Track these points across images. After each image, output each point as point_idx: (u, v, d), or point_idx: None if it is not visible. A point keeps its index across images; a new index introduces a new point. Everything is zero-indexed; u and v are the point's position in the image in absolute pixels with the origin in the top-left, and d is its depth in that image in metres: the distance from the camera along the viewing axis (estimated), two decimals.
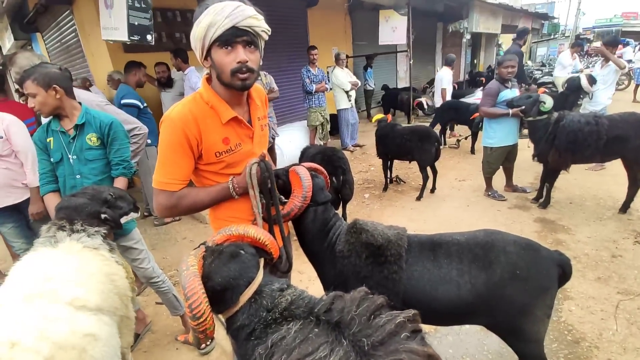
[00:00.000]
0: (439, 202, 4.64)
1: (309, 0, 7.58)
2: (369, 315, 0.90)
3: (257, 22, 1.21)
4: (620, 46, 10.75)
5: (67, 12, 5.55)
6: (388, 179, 5.29)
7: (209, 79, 1.36)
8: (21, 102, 3.12)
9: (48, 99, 1.97)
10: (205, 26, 1.16)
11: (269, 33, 1.28)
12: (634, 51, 12.53)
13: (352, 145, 7.07)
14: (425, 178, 4.68)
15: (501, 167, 4.50)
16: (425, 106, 9.06)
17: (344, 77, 6.58)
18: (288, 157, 5.54)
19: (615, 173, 4.69)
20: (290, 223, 1.60)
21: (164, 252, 3.86)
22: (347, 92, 6.60)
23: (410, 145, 4.64)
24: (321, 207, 1.56)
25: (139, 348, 2.53)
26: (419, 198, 4.71)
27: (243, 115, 1.38)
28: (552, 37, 23.49)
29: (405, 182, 5.42)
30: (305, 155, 3.85)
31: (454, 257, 1.51)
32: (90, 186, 1.87)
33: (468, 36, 10.56)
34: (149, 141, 3.95)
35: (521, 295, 1.46)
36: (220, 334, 1.17)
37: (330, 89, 6.64)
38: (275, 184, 1.38)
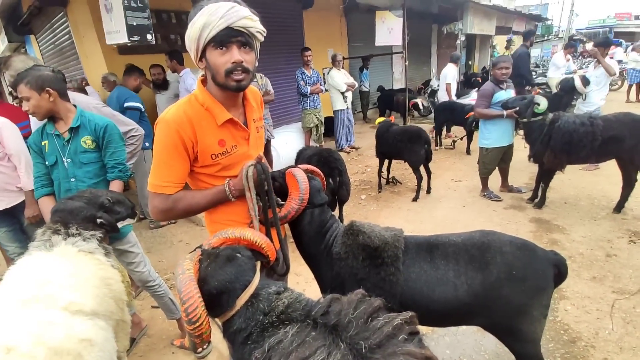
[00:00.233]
0: (435, 202, 4.65)
1: (305, 2, 7.58)
2: (367, 317, 0.90)
3: (252, 22, 1.20)
4: (612, 47, 10.86)
5: (61, 14, 5.51)
6: (384, 180, 5.33)
7: (204, 81, 1.35)
8: (15, 104, 3.09)
9: (41, 102, 1.96)
10: (200, 27, 1.16)
11: (265, 34, 1.27)
12: (625, 52, 12.65)
13: (347, 147, 7.07)
14: (419, 178, 4.70)
15: (496, 167, 4.52)
16: (421, 107, 9.09)
17: (340, 78, 6.59)
18: (284, 158, 5.53)
19: (608, 173, 4.73)
20: (286, 225, 1.60)
21: (159, 255, 3.83)
22: (342, 94, 6.61)
23: (400, 145, 4.71)
24: (318, 209, 1.56)
25: (134, 352, 2.51)
26: (415, 199, 4.73)
27: (239, 117, 1.37)
28: (545, 38, 23.68)
29: (401, 183, 5.43)
30: (301, 157, 3.84)
31: (450, 258, 1.51)
32: (88, 189, 1.85)
33: (463, 37, 10.63)
34: (146, 144, 3.97)
35: (518, 295, 1.47)
36: (217, 337, 1.16)
37: (326, 90, 6.64)
38: (272, 186, 1.38)
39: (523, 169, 5.36)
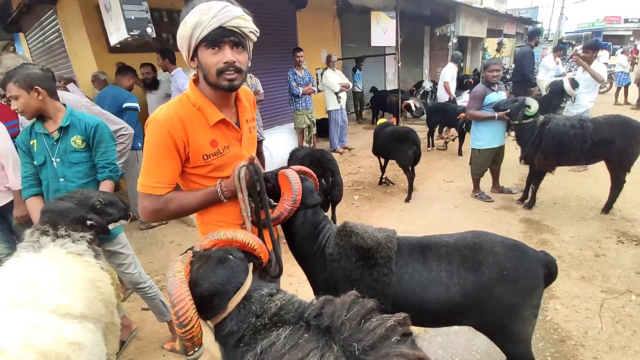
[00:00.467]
0: (427, 203, 4.68)
1: (298, 2, 7.57)
2: (360, 319, 0.90)
3: (245, 22, 1.19)
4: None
5: (50, 12, 5.44)
6: (380, 179, 5.46)
7: (196, 80, 1.33)
8: (2, 103, 3.03)
9: (30, 100, 1.93)
10: (192, 26, 1.15)
11: (258, 34, 1.26)
12: (612, 54, 12.85)
13: (340, 147, 7.08)
14: (410, 179, 4.75)
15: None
16: (413, 108, 9.14)
17: (334, 78, 6.60)
18: (277, 159, 5.51)
19: (597, 174, 4.81)
20: (279, 226, 1.59)
21: (150, 257, 3.79)
22: (336, 94, 6.62)
23: (390, 145, 4.81)
24: (311, 210, 1.55)
25: (124, 356, 2.48)
26: (407, 199, 4.75)
27: (231, 118, 1.36)
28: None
29: (394, 184, 5.45)
30: (294, 158, 3.83)
31: (443, 258, 1.52)
32: (79, 190, 1.82)
33: (455, 40, 10.70)
34: (139, 144, 3.94)
35: (509, 295, 1.48)
36: (209, 339, 1.15)
37: (319, 90, 6.64)
38: (265, 187, 1.37)
39: (513, 170, 5.42)
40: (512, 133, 4.24)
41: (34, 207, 2.07)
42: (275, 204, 1.46)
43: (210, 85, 1.25)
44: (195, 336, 0.97)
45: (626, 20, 33.30)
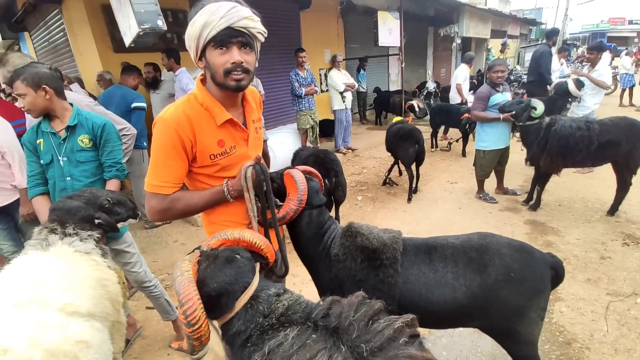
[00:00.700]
0: (431, 204, 4.67)
1: (302, 3, 7.57)
2: (367, 320, 0.90)
3: (253, 23, 1.20)
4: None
5: (55, 11, 5.45)
6: (384, 179, 5.49)
7: (203, 80, 1.34)
8: (8, 101, 3.05)
9: (37, 99, 1.94)
10: (200, 26, 1.15)
11: (265, 35, 1.27)
12: (617, 56, 12.77)
13: (344, 148, 7.07)
14: (410, 178, 4.77)
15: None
16: (417, 109, 9.13)
17: (339, 78, 6.61)
18: (280, 159, 5.52)
19: (602, 176, 4.78)
20: (284, 226, 1.59)
21: (154, 256, 3.80)
22: (341, 94, 6.63)
23: (394, 141, 4.87)
24: (316, 211, 1.55)
25: (129, 354, 2.49)
26: (408, 200, 4.75)
27: (238, 118, 1.36)
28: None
29: (397, 185, 5.45)
30: (297, 158, 3.84)
31: (449, 260, 1.51)
32: (88, 189, 1.82)
33: (458, 40, 10.69)
34: (145, 144, 3.96)
35: (516, 297, 1.47)
36: (213, 339, 1.15)
37: (323, 90, 6.64)
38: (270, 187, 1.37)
39: (518, 172, 5.40)
40: (517, 134, 4.22)
41: (40, 206, 2.08)
42: (281, 203, 1.46)
43: (218, 85, 1.25)
44: (203, 335, 0.97)
45: (630, 22, 33.16)
